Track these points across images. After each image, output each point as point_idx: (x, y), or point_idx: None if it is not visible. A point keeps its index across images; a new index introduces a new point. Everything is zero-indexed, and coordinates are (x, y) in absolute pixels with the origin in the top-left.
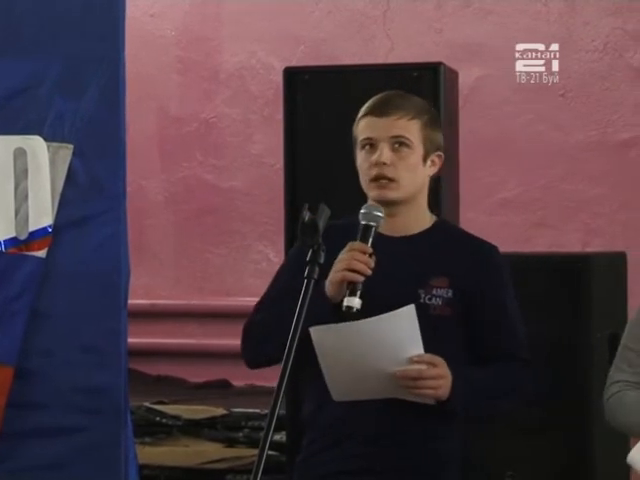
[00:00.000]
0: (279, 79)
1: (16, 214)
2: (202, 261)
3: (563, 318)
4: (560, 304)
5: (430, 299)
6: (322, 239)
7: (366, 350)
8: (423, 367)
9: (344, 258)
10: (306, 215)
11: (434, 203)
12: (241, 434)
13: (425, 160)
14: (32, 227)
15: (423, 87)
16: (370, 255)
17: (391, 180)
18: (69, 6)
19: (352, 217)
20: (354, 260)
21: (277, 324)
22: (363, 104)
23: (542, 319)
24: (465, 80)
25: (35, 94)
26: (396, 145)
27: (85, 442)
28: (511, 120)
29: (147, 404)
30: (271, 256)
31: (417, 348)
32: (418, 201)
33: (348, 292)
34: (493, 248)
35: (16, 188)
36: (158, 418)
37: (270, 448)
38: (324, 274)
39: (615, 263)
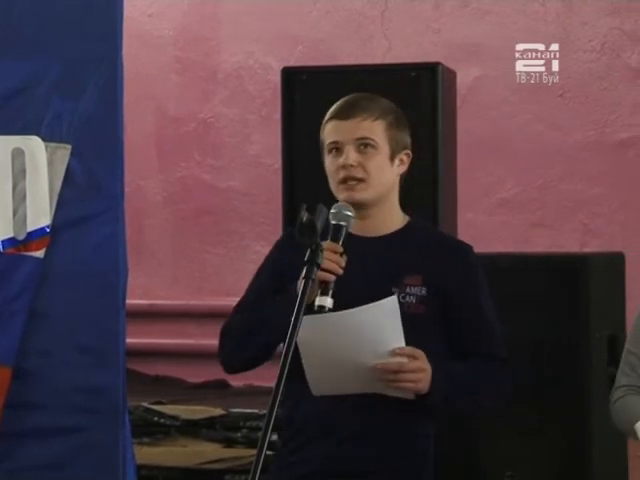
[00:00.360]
0: (277, 79)
1: (14, 214)
2: (200, 261)
3: (561, 318)
4: (558, 304)
5: (404, 297)
6: (287, 246)
7: (347, 342)
8: (404, 360)
9: None
10: (304, 215)
11: (432, 203)
12: (239, 434)
13: (392, 160)
14: (30, 227)
15: (421, 87)
16: (341, 254)
17: (359, 181)
18: (67, 6)
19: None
20: (325, 259)
21: (254, 328)
22: None
23: (540, 319)
24: (463, 80)
25: (33, 94)
26: (361, 146)
27: (83, 442)
28: (509, 120)
29: (145, 404)
30: None
31: (398, 340)
32: (389, 201)
33: (320, 292)
34: (467, 247)
35: (14, 188)
36: (156, 418)
37: (268, 448)
38: (297, 276)
39: (613, 263)
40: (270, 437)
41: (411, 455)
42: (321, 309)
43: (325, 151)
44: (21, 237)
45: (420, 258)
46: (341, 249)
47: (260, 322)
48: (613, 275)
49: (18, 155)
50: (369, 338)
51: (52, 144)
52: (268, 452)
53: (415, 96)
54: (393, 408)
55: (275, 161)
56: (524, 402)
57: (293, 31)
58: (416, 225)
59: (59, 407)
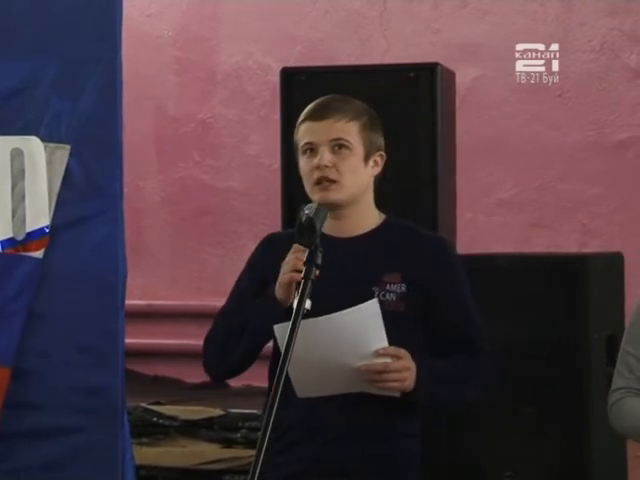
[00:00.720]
0: (276, 79)
1: (13, 215)
2: (199, 261)
3: (560, 319)
4: (557, 305)
5: (384, 295)
6: (267, 251)
7: (330, 346)
8: (388, 360)
9: (290, 260)
10: (303, 216)
11: (431, 204)
12: (238, 435)
13: (367, 161)
14: (29, 227)
15: (420, 88)
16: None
17: (333, 182)
18: (66, 7)
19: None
20: (299, 261)
21: (234, 335)
22: None
23: (539, 319)
24: (462, 80)
25: (32, 94)
26: (336, 147)
27: (82, 442)
28: (508, 120)
29: (144, 404)
30: None
31: (381, 341)
32: (364, 201)
33: (297, 294)
34: (445, 242)
35: (13, 189)
36: (155, 419)
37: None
38: (274, 279)
39: (612, 264)
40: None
41: (396, 455)
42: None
43: (299, 152)
44: (20, 237)
45: (398, 255)
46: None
47: (240, 328)
48: (612, 275)
49: (17, 155)
50: (352, 341)
51: (51, 144)
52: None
53: (414, 96)
54: (378, 408)
55: (274, 161)
56: (523, 402)
57: (292, 31)
58: (392, 223)
59: (58, 407)
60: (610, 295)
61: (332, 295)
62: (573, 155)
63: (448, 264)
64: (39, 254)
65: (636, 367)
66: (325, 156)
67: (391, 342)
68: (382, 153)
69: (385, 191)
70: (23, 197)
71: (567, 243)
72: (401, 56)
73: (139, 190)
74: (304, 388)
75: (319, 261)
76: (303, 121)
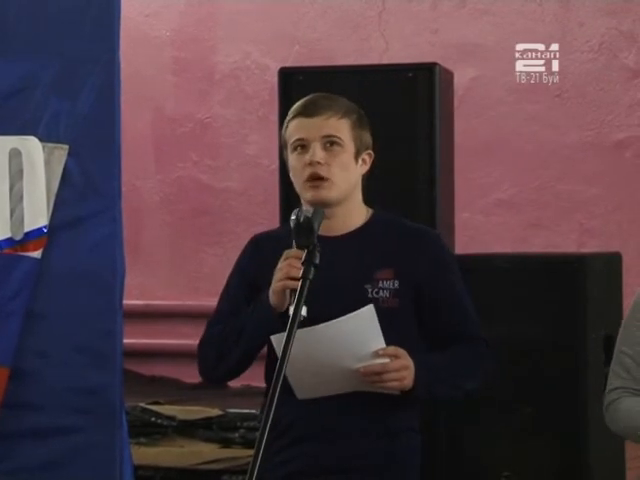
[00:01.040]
0: (274, 80)
1: (11, 215)
2: (197, 261)
3: (558, 319)
4: (555, 305)
5: (377, 292)
6: (254, 253)
7: (329, 352)
8: (386, 360)
9: (282, 267)
10: (301, 216)
11: (430, 204)
12: (236, 435)
13: (357, 159)
14: (27, 227)
15: (418, 88)
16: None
17: (325, 179)
18: (65, 7)
19: (282, 227)
20: (292, 268)
21: (230, 340)
22: (358, 105)
23: (537, 319)
24: (460, 80)
25: (30, 94)
26: (328, 144)
27: (80, 442)
28: (506, 120)
29: (142, 404)
30: None
31: (379, 344)
32: (352, 199)
33: (293, 300)
34: (434, 233)
35: (11, 189)
36: (153, 419)
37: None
38: (267, 284)
39: (610, 264)
40: (267, 438)
41: (397, 451)
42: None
43: (289, 149)
44: (18, 237)
45: (388, 251)
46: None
47: (237, 333)
48: (610, 276)
49: (15, 155)
50: (350, 346)
51: (49, 144)
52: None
53: (412, 96)
54: (377, 406)
55: (272, 162)
56: (521, 402)
57: (290, 32)
58: (379, 218)
59: (56, 407)
60: (608, 295)
61: (325, 295)
62: (571, 155)
63: (439, 256)
64: (37, 254)
65: (632, 367)
66: (317, 152)
67: (387, 338)
68: (370, 152)
69: (383, 191)
70: (21, 197)
71: (565, 243)
72: (399, 56)
73: (137, 190)
74: (303, 390)
75: (317, 261)
76: (293, 118)
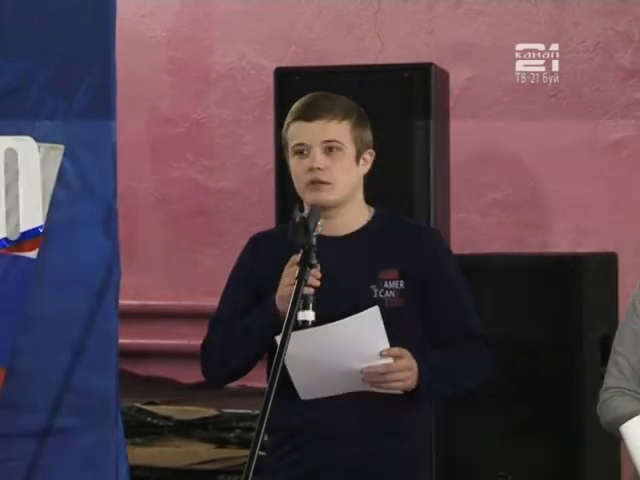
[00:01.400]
0: (270, 80)
1: (7, 215)
2: (193, 262)
3: (554, 319)
4: (552, 305)
5: (383, 293)
6: (254, 253)
7: (333, 352)
8: (390, 361)
9: (288, 272)
10: (297, 216)
11: (426, 204)
12: (232, 435)
13: (358, 160)
14: (23, 228)
15: (414, 88)
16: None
17: (326, 183)
18: (61, 7)
19: (282, 227)
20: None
21: (236, 342)
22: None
23: (533, 320)
24: (456, 81)
25: (26, 95)
26: (328, 149)
27: (76, 443)
28: (502, 121)
29: (138, 405)
30: None
31: (383, 345)
32: (355, 199)
33: (301, 306)
34: (435, 231)
35: (7, 189)
36: (149, 419)
37: (261, 449)
38: (274, 287)
39: (606, 264)
40: (263, 438)
41: (408, 449)
42: (304, 324)
43: (290, 152)
44: (14, 237)
45: (392, 250)
46: (314, 262)
47: (242, 335)
48: (606, 276)
49: (11, 156)
50: (354, 347)
51: (45, 144)
52: (261, 453)
53: (408, 97)
54: (383, 407)
55: (268, 162)
56: (517, 402)
57: (286, 32)
58: (382, 217)
59: (52, 408)
60: (604, 295)
61: (331, 297)
62: (567, 155)
63: (441, 254)
64: (33, 254)
65: (625, 367)
66: (318, 158)
67: (393, 338)
68: (371, 150)
69: (379, 191)
70: (17, 197)
71: (561, 243)
72: (395, 56)
73: (133, 190)
74: (307, 390)
75: (313, 261)
76: (293, 120)
